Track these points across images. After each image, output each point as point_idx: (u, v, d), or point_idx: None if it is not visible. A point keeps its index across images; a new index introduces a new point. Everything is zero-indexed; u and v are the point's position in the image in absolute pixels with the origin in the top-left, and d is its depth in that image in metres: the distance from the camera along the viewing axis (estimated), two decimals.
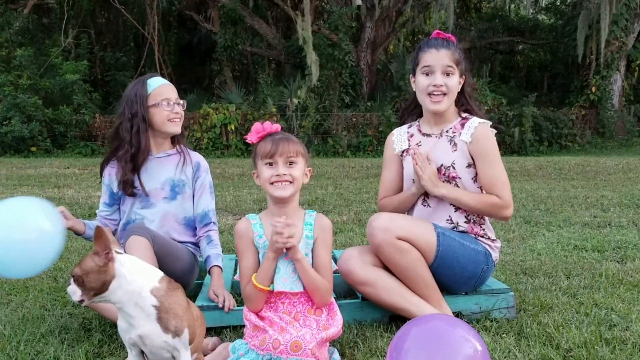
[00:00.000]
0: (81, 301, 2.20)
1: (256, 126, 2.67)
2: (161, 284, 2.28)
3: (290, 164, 2.61)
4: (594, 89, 21.22)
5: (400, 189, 3.45)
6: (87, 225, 3.32)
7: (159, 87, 3.39)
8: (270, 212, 2.72)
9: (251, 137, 2.67)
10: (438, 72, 3.16)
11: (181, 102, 3.43)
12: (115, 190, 3.43)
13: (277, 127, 2.68)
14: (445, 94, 3.18)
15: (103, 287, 2.18)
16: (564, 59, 24.38)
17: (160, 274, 2.32)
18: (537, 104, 20.83)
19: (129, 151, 3.34)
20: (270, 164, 2.60)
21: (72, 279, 2.20)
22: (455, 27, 23.30)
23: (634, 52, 22.20)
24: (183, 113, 3.45)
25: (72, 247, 5.08)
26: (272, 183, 2.60)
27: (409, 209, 3.40)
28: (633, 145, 21.03)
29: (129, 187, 3.35)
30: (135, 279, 2.23)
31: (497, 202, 3.14)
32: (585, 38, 21.14)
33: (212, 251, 3.39)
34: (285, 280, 2.62)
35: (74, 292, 2.20)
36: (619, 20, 20.46)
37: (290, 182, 2.60)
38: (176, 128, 3.41)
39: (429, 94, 3.20)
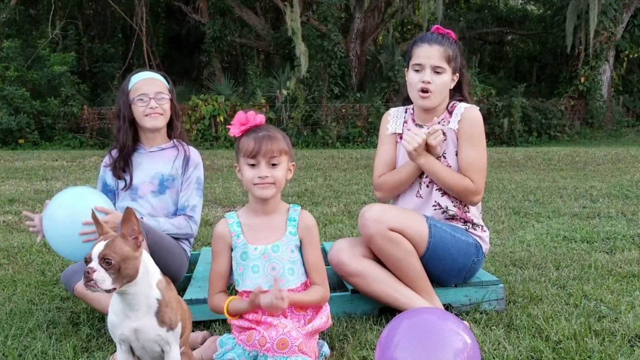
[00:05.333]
0: (111, 290, 2.08)
1: (239, 117, 2.60)
2: (162, 277, 2.27)
3: (272, 165, 2.56)
4: (582, 80, 21.25)
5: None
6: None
7: (137, 82, 3.39)
8: (250, 208, 2.70)
9: (234, 130, 2.60)
10: (427, 69, 3.14)
11: (165, 96, 3.38)
12: (108, 181, 3.42)
13: (261, 118, 2.61)
14: (432, 91, 3.15)
15: (135, 274, 2.13)
16: (553, 50, 24.39)
17: (157, 267, 2.31)
18: (526, 95, 20.85)
19: (116, 147, 3.37)
20: (253, 165, 2.56)
21: (95, 265, 2.06)
22: (444, 17, 23.29)
23: (623, 43, 22.26)
24: (165, 107, 3.40)
25: None
26: (255, 184, 2.57)
27: (403, 196, 3.38)
28: (622, 135, 21.11)
29: (118, 172, 3.39)
30: (153, 268, 2.22)
31: (469, 185, 3.16)
32: (574, 28, 21.15)
33: (160, 219, 3.34)
34: (264, 280, 2.59)
35: (104, 280, 2.05)
36: (608, 10, 20.47)
37: (272, 184, 2.56)
38: (154, 122, 3.38)
39: (419, 90, 3.18)
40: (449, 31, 3.27)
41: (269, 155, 2.53)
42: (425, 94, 3.16)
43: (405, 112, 3.43)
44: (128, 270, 2.09)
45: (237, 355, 2.49)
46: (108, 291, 2.07)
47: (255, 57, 24.25)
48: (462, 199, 3.23)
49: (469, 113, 3.22)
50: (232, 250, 2.66)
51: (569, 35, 21.13)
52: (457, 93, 3.33)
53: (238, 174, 2.66)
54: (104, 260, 2.05)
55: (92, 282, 2.05)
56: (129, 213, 2.13)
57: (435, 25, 3.32)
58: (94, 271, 2.05)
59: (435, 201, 3.25)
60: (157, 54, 23.69)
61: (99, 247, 2.08)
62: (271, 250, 2.61)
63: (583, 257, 4.33)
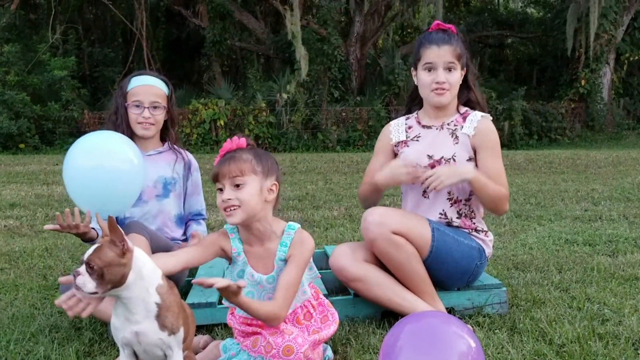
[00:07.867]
0: (94, 293, 2.10)
1: (225, 144, 2.46)
2: (163, 281, 2.26)
3: (237, 186, 2.36)
4: (583, 82, 21.27)
5: None
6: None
7: (136, 87, 3.36)
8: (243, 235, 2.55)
9: (217, 159, 2.46)
10: (440, 69, 3.14)
11: (160, 105, 3.37)
12: None
13: (241, 142, 2.44)
14: (446, 89, 3.17)
15: (122, 280, 2.12)
16: (553, 52, 24.43)
17: (160, 271, 2.30)
18: (527, 98, 20.87)
19: None
20: (220, 189, 2.40)
21: (82, 269, 2.09)
22: (444, 20, 23.11)
23: (623, 45, 22.27)
24: (159, 118, 3.39)
25: (62, 245, 5.04)
26: (222, 210, 2.39)
27: (406, 200, 3.37)
28: (622, 138, 21.12)
29: None
30: (147, 274, 2.21)
31: (506, 194, 3.15)
32: (575, 31, 21.20)
33: (199, 227, 3.52)
34: None
35: (85, 284, 2.08)
36: (608, 13, 20.50)
37: (238, 207, 2.36)
38: (143, 132, 3.38)
39: (432, 90, 3.18)
40: (450, 26, 3.27)
41: (228, 175, 2.35)
42: (440, 92, 3.16)
43: (407, 119, 3.43)
44: (111, 276, 2.10)
45: None
46: (92, 294, 2.11)
47: (255, 60, 24.27)
48: (497, 209, 3.19)
49: (487, 122, 3.23)
50: (229, 260, 2.56)
51: (569, 38, 21.17)
52: (464, 87, 3.31)
53: None
54: (88, 265, 2.09)
55: (76, 284, 2.10)
56: (113, 221, 2.14)
57: (436, 21, 3.32)
58: (79, 274, 2.10)
59: (443, 209, 3.23)
60: (157, 58, 23.71)
61: (89, 251, 2.12)
62: (266, 282, 2.50)
63: (585, 260, 4.32)
